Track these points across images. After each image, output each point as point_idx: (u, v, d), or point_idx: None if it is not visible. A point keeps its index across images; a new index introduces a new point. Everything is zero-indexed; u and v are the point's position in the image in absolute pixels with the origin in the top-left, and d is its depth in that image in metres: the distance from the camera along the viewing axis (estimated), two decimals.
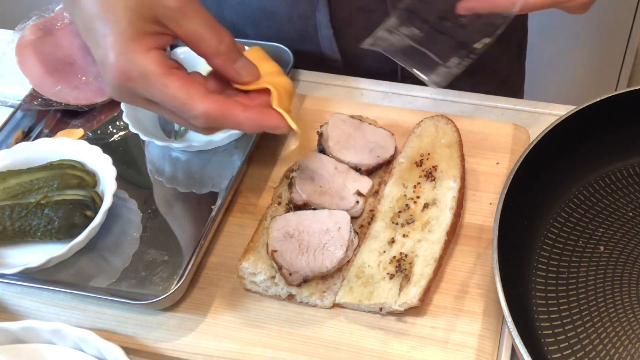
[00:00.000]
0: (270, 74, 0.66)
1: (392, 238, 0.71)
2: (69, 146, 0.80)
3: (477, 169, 0.79)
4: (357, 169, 0.77)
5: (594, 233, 0.72)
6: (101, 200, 0.76)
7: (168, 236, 0.77)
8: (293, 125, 0.62)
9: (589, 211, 0.74)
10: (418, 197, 0.74)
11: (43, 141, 0.81)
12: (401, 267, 0.69)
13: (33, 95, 0.88)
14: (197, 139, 0.82)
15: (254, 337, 0.69)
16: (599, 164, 0.77)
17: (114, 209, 0.77)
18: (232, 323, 0.70)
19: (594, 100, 0.74)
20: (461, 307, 0.69)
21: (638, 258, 0.70)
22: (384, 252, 0.71)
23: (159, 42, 0.57)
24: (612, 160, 0.77)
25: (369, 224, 0.74)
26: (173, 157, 0.83)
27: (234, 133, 0.81)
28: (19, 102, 0.89)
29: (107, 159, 0.78)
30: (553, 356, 0.65)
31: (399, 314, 0.68)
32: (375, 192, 0.77)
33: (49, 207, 0.74)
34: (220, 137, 0.81)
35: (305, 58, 0.93)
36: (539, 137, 0.72)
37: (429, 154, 0.77)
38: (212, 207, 0.77)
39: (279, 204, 0.76)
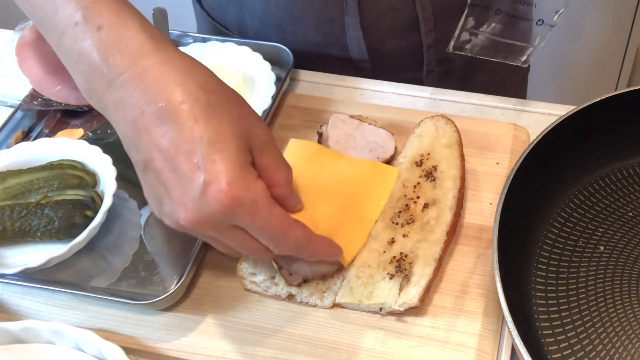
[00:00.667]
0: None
1: (392, 238, 0.71)
2: (69, 146, 0.80)
3: (477, 169, 0.79)
4: None
5: (594, 233, 0.72)
6: (101, 200, 0.76)
7: (168, 236, 0.77)
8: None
9: (589, 211, 0.74)
10: (418, 197, 0.74)
11: (43, 141, 0.81)
12: (401, 267, 0.69)
13: (33, 95, 0.88)
14: None
15: (254, 337, 0.69)
16: (599, 164, 0.77)
17: (114, 209, 0.77)
18: (232, 323, 0.70)
19: (594, 100, 0.74)
20: (461, 307, 0.69)
21: (638, 258, 0.70)
22: (384, 252, 0.71)
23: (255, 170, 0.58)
24: (612, 160, 0.77)
25: None
26: None
27: None
28: (19, 102, 0.89)
29: (107, 159, 0.78)
30: (553, 356, 0.65)
31: (399, 314, 0.68)
32: None
33: (49, 207, 0.74)
34: None
35: (331, 61, 0.93)
36: (539, 137, 0.72)
37: (429, 154, 0.77)
38: None
39: None
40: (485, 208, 0.76)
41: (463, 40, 0.78)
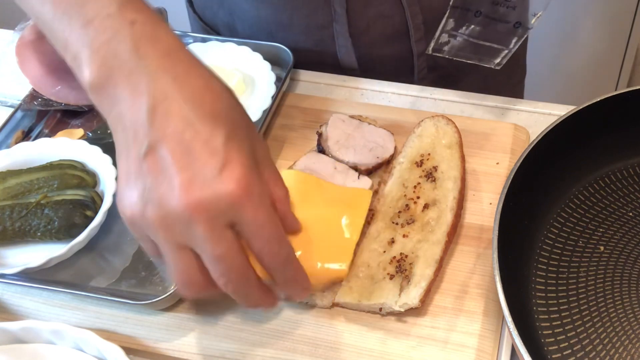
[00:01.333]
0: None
1: (392, 238, 0.71)
2: (69, 146, 0.80)
3: (477, 169, 0.79)
4: (356, 169, 0.77)
5: (594, 233, 0.72)
6: (101, 200, 0.76)
7: None
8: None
9: (589, 211, 0.74)
10: (418, 198, 0.74)
11: (43, 141, 0.81)
12: (401, 268, 0.69)
13: (33, 95, 0.88)
14: None
15: (254, 337, 0.69)
16: (599, 164, 0.77)
17: (114, 209, 0.76)
18: (232, 323, 0.70)
19: (594, 100, 0.74)
20: (461, 307, 0.69)
21: (638, 258, 0.70)
22: (384, 252, 0.71)
23: None
24: (612, 160, 0.77)
25: (369, 224, 0.74)
26: None
27: None
28: (19, 102, 0.89)
29: (107, 159, 0.78)
30: (553, 356, 0.65)
31: (399, 314, 0.68)
32: (375, 192, 0.77)
33: (49, 207, 0.74)
34: None
35: (322, 67, 0.93)
36: (539, 137, 0.72)
37: (429, 154, 0.77)
38: None
39: None
40: (485, 208, 0.76)
41: (442, 42, 0.79)
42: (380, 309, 0.68)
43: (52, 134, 0.87)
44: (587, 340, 0.66)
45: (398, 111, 0.86)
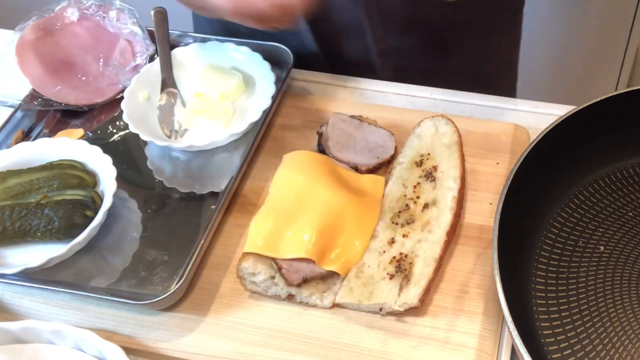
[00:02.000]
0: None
1: (392, 238, 0.71)
2: (69, 146, 0.80)
3: (477, 169, 0.79)
4: (357, 169, 0.78)
5: (594, 233, 0.72)
6: (101, 200, 0.76)
7: (168, 236, 0.77)
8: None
9: (589, 211, 0.74)
10: (418, 197, 0.74)
11: (43, 141, 0.81)
12: (401, 268, 0.69)
13: (33, 95, 0.88)
14: (197, 139, 0.82)
15: (254, 337, 0.69)
16: (599, 164, 0.77)
17: (114, 209, 0.77)
18: (232, 323, 0.70)
19: (594, 100, 0.74)
20: (461, 307, 0.69)
21: (638, 258, 0.70)
22: (384, 252, 0.71)
23: None
24: (612, 160, 0.77)
25: None
26: (173, 157, 0.83)
27: (234, 133, 0.81)
28: (19, 102, 0.89)
29: (107, 159, 0.78)
30: (553, 356, 0.65)
31: (399, 314, 0.68)
32: None
33: (49, 207, 0.74)
34: (221, 137, 0.81)
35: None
36: (539, 137, 0.72)
37: (429, 154, 0.77)
38: (212, 207, 0.77)
39: None
40: (485, 208, 0.76)
41: None
42: (380, 309, 0.68)
43: (52, 134, 0.87)
44: (587, 340, 0.66)
45: (398, 111, 0.86)
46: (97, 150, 0.79)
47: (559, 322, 0.67)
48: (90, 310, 0.72)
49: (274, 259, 0.69)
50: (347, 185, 0.74)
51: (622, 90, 0.74)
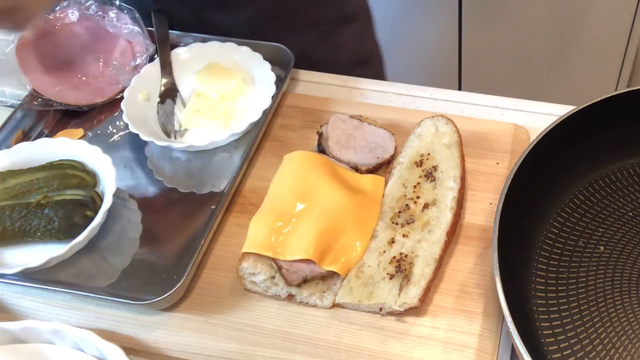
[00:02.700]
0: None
1: (392, 238, 0.71)
2: (69, 146, 0.80)
3: (477, 169, 0.79)
4: (357, 169, 0.78)
5: (594, 233, 0.72)
6: (101, 200, 0.76)
7: (168, 236, 0.77)
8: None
9: (589, 211, 0.74)
10: (418, 197, 0.74)
11: (43, 141, 0.81)
12: (401, 268, 0.69)
13: (33, 95, 0.88)
14: (197, 139, 0.82)
15: (254, 337, 0.69)
16: (599, 164, 0.77)
17: (114, 209, 0.77)
18: (232, 323, 0.70)
19: (594, 100, 0.74)
20: (461, 307, 0.69)
21: (638, 258, 0.70)
22: (384, 252, 0.71)
23: None
24: (612, 160, 0.77)
25: None
26: (173, 157, 0.83)
27: (235, 133, 0.81)
28: (19, 102, 0.89)
29: (107, 159, 0.78)
30: (553, 356, 0.65)
31: (399, 314, 0.68)
32: None
33: (49, 207, 0.74)
34: (221, 137, 0.81)
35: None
36: (539, 137, 0.72)
37: (429, 154, 0.77)
38: (212, 207, 0.77)
39: None
40: (485, 208, 0.76)
41: None
42: (380, 309, 0.68)
43: (52, 134, 0.87)
44: (587, 340, 0.66)
45: (398, 111, 0.86)
46: (97, 150, 0.79)
47: (559, 322, 0.67)
48: (90, 310, 0.72)
49: (274, 259, 0.69)
50: (347, 185, 0.74)
51: (622, 90, 0.74)
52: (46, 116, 0.89)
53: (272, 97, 0.84)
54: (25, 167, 0.78)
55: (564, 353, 0.65)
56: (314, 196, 0.72)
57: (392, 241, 0.71)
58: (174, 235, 0.77)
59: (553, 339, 0.66)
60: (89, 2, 0.93)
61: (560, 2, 1.65)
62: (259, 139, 0.82)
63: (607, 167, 0.77)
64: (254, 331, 0.69)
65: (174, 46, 0.91)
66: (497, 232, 0.66)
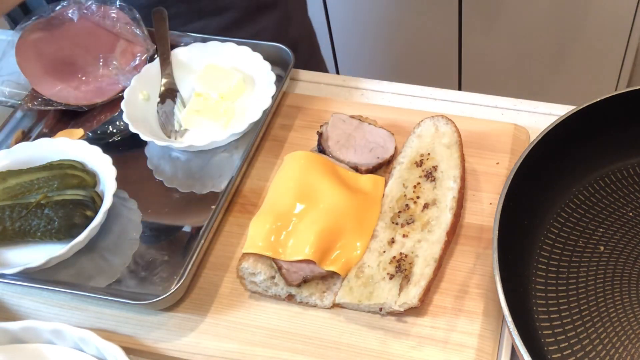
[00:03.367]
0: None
1: (392, 238, 0.71)
2: (69, 146, 0.80)
3: (477, 169, 0.79)
4: (357, 169, 0.78)
5: (594, 233, 0.72)
6: (101, 200, 0.76)
7: (168, 236, 0.77)
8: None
9: (589, 211, 0.74)
10: (418, 197, 0.74)
11: (43, 141, 0.81)
12: (401, 268, 0.69)
13: (33, 95, 0.88)
14: (197, 139, 0.82)
15: (254, 337, 0.69)
16: (599, 164, 0.77)
17: (114, 209, 0.77)
18: (232, 323, 0.70)
19: (594, 100, 0.74)
20: (461, 307, 0.69)
21: (638, 258, 0.70)
22: (384, 252, 0.71)
23: None
24: (612, 160, 0.77)
25: None
26: (173, 157, 0.83)
27: (235, 133, 0.81)
28: (19, 102, 0.89)
29: (107, 159, 0.78)
30: (553, 356, 0.65)
31: (399, 314, 0.68)
32: None
33: (49, 207, 0.74)
34: (221, 137, 0.81)
35: None
36: (539, 137, 0.72)
37: (429, 154, 0.77)
38: (212, 207, 0.77)
39: None
40: (485, 208, 0.76)
41: None
42: (380, 309, 0.68)
43: (52, 134, 0.87)
44: (587, 340, 0.66)
45: (398, 111, 0.86)
46: (97, 150, 0.79)
47: (559, 322, 0.67)
48: (90, 310, 0.72)
49: (274, 259, 0.70)
50: (347, 185, 0.74)
51: (622, 90, 0.74)
52: (46, 116, 0.89)
53: (272, 97, 0.84)
54: (25, 167, 0.78)
55: (564, 353, 0.65)
56: (314, 196, 0.72)
57: (392, 241, 0.71)
58: (174, 235, 0.77)
59: (553, 339, 0.66)
60: (89, 2, 0.93)
61: (560, 2, 1.65)
62: (259, 139, 0.83)
63: (607, 167, 0.77)
64: (254, 331, 0.69)
65: (174, 46, 0.91)
66: (497, 232, 0.66)
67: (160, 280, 0.72)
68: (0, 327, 0.67)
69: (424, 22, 1.78)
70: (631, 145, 0.77)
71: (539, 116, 0.85)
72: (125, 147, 0.85)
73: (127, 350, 0.67)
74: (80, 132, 0.87)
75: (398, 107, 0.87)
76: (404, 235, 0.71)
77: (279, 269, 0.69)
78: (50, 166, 0.78)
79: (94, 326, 0.70)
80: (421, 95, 0.89)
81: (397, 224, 0.73)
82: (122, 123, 0.86)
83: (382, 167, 0.79)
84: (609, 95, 0.74)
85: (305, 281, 0.70)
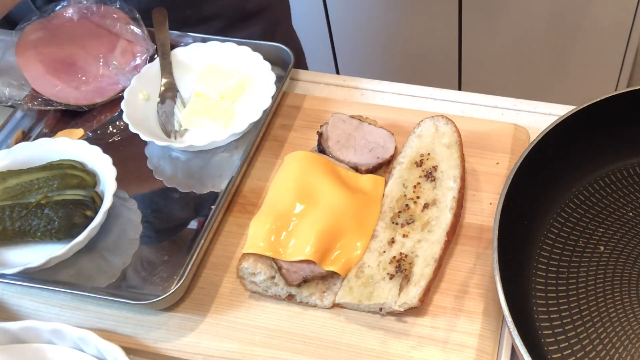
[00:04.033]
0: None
1: (392, 238, 0.71)
2: (69, 146, 0.80)
3: (477, 169, 0.79)
4: (357, 169, 0.78)
5: (594, 233, 0.72)
6: (101, 200, 0.76)
7: (168, 236, 0.77)
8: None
9: (589, 211, 0.74)
10: (418, 197, 0.74)
11: (43, 141, 0.81)
12: (401, 268, 0.69)
13: (33, 95, 0.88)
14: (197, 139, 0.82)
15: (254, 337, 0.69)
16: (599, 164, 0.77)
17: (114, 209, 0.77)
18: (232, 323, 0.70)
19: (594, 100, 0.74)
20: (461, 307, 0.69)
21: (638, 258, 0.70)
22: (384, 252, 0.71)
23: None
24: (612, 160, 0.77)
25: None
26: (173, 157, 0.83)
27: (234, 133, 0.81)
28: (19, 102, 0.89)
29: (107, 159, 0.78)
30: (553, 356, 0.65)
31: (399, 314, 0.68)
32: None
33: (49, 207, 0.74)
34: (221, 137, 0.81)
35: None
36: (539, 137, 0.72)
37: (429, 154, 0.77)
38: (212, 207, 0.77)
39: None
40: (485, 208, 0.76)
41: None
42: (380, 309, 0.68)
43: (52, 134, 0.87)
44: (587, 340, 0.66)
45: (398, 111, 0.86)
46: (97, 150, 0.79)
47: (559, 322, 0.67)
48: (90, 310, 0.72)
49: (274, 259, 0.70)
50: (347, 185, 0.74)
51: (622, 90, 0.74)
52: (46, 116, 0.89)
53: (272, 97, 0.84)
54: (25, 167, 0.78)
55: (564, 353, 0.65)
56: (314, 196, 0.72)
57: (392, 241, 0.71)
58: (174, 236, 0.77)
59: (553, 339, 0.66)
60: (89, 2, 0.93)
61: (560, 2, 1.65)
62: (259, 139, 0.83)
63: (607, 167, 0.77)
64: (253, 331, 0.69)
65: (174, 46, 0.91)
66: (497, 232, 0.66)
67: (160, 280, 0.72)
68: (0, 327, 0.67)
69: (424, 22, 1.78)
70: (631, 145, 0.77)
71: (539, 116, 0.85)
72: (125, 147, 0.85)
73: (127, 350, 0.67)
74: (80, 132, 0.87)
75: (398, 107, 0.87)
76: (404, 235, 0.71)
77: (279, 269, 0.69)
78: (50, 166, 0.78)
79: (94, 326, 0.70)
80: (421, 95, 0.89)
81: (397, 224, 0.73)
82: (122, 123, 0.86)
83: (382, 167, 0.79)
84: (609, 95, 0.74)
85: (305, 281, 0.70)
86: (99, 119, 0.89)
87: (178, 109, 0.86)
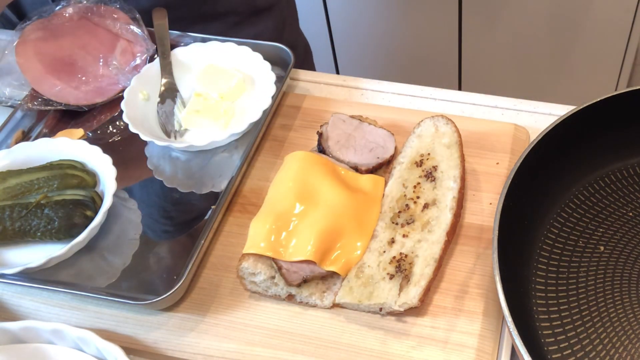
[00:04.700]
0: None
1: (392, 238, 0.71)
2: (69, 146, 0.80)
3: (477, 169, 0.79)
4: (357, 169, 0.78)
5: (594, 233, 0.72)
6: (101, 200, 0.76)
7: (168, 236, 0.77)
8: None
9: (589, 211, 0.74)
10: (418, 197, 0.74)
11: (43, 141, 0.81)
12: (401, 268, 0.69)
13: (33, 95, 0.88)
14: (197, 139, 0.82)
15: (254, 337, 0.69)
16: (599, 164, 0.77)
17: (114, 209, 0.77)
18: (232, 323, 0.70)
19: (594, 100, 0.74)
20: (461, 307, 0.69)
21: (638, 258, 0.70)
22: (384, 252, 0.71)
23: None
24: (612, 160, 0.77)
25: None
26: (173, 157, 0.83)
27: (234, 133, 0.81)
28: (19, 102, 0.89)
29: (107, 159, 0.78)
30: (553, 356, 0.65)
31: (399, 314, 0.68)
32: None
33: (49, 207, 0.74)
34: (221, 137, 0.81)
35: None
36: (539, 137, 0.72)
37: (429, 154, 0.77)
38: (212, 207, 0.77)
39: None
40: (485, 208, 0.76)
41: None
42: (380, 309, 0.68)
43: (52, 134, 0.87)
44: (587, 340, 0.66)
45: (398, 111, 0.86)
46: (97, 150, 0.79)
47: (559, 322, 0.67)
48: (90, 310, 0.72)
49: (274, 259, 0.70)
50: (347, 185, 0.74)
51: (622, 90, 0.74)
52: (46, 116, 0.89)
53: (272, 97, 0.84)
54: (25, 167, 0.78)
55: (564, 353, 0.65)
56: (314, 196, 0.72)
57: (392, 241, 0.71)
58: (174, 235, 0.77)
59: (553, 339, 0.66)
60: (89, 2, 0.93)
61: (561, 2, 1.65)
62: (259, 139, 0.83)
63: (607, 167, 0.77)
64: (254, 331, 0.69)
65: (174, 46, 0.91)
66: (497, 232, 0.66)
67: (160, 280, 0.72)
68: (0, 327, 0.67)
69: (424, 22, 1.78)
70: (631, 145, 0.77)
71: (539, 116, 0.85)
72: (125, 147, 0.85)
73: (127, 350, 0.67)
74: (80, 132, 0.87)
75: (398, 107, 0.87)
76: (404, 235, 0.71)
77: (279, 269, 0.69)
78: (50, 166, 0.78)
79: (93, 326, 0.70)
80: (421, 95, 0.89)
81: (397, 224, 0.73)
82: (122, 123, 0.86)
83: (382, 167, 0.79)
84: (609, 95, 0.74)
85: (305, 281, 0.70)
86: (99, 119, 0.89)
87: (178, 109, 0.86)
